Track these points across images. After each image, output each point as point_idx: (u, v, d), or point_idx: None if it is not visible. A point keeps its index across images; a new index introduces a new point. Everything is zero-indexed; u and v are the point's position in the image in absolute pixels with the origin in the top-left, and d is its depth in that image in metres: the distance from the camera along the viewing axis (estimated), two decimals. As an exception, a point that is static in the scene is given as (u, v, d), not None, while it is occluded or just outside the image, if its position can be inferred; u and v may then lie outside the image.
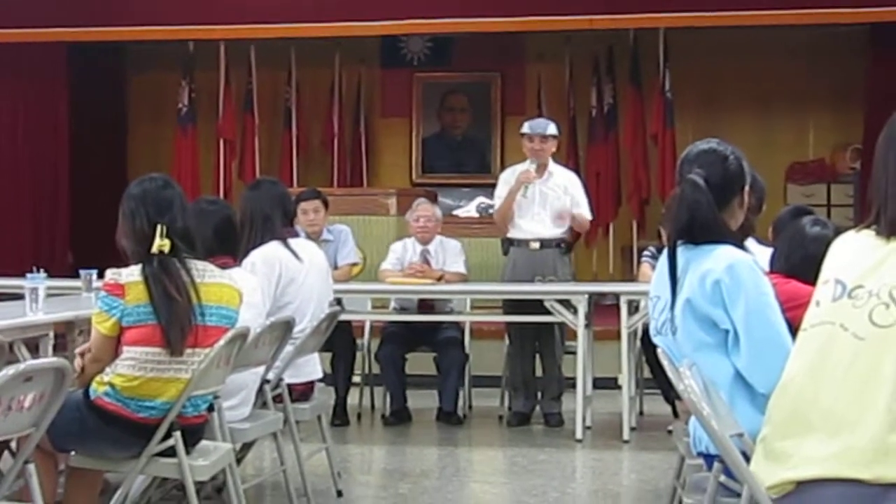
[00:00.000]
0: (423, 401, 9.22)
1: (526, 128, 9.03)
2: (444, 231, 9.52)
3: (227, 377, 4.99)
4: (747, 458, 3.12)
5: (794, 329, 3.26)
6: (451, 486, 7.06)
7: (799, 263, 4.49)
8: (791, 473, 2.85)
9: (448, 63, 14.44)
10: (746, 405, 3.62)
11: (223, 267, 5.04)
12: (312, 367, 6.48)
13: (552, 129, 9.00)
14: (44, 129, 13.23)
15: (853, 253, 3.01)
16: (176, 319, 4.54)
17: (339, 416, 8.84)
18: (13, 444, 4.63)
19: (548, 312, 8.41)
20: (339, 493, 6.58)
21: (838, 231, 4.61)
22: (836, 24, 11.74)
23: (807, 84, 13.45)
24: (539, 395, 9.04)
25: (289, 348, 5.92)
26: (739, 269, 3.67)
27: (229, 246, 5.62)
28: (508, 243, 9.07)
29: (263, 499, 6.68)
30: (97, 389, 4.58)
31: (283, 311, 6.14)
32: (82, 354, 4.69)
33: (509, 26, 12.05)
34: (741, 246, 3.84)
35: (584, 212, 9.06)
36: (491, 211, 9.63)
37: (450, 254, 9.26)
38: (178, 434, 4.56)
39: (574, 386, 8.47)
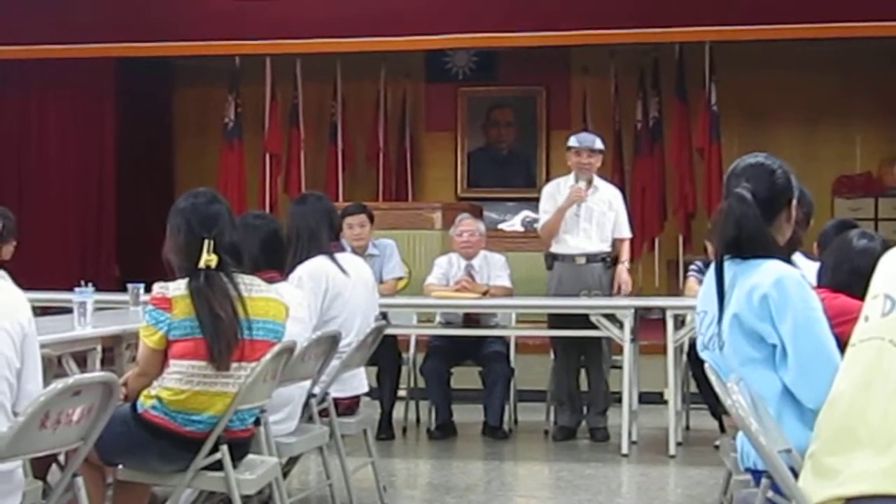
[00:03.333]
0: (468, 415, 9.21)
1: (574, 141, 9.02)
2: (490, 245, 9.50)
3: (273, 391, 5.00)
4: (795, 474, 3.10)
5: (842, 344, 3.24)
6: (496, 501, 7.05)
7: (846, 277, 4.47)
8: (840, 490, 2.83)
9: (493, 77, 14.47)
10: (794, 420, 3.60)
11: (270, 281, 5.05)
12: (358, 381, 6.48)
13: (599, 143, 9.00)
14: (91, 143, 13.35)
15: (903, 268, 3.00)
16: (221, 334, 4.55)
17: (385, 430, 8.84)
18: (61, 458, 4.65)
19: (593, 327, 8.39)
20: (385, 508, 6.59)
21: (886, 244, 4.61)
22: (883, 38, 11.66)
23: (853, 97, 13.39)
24: (585, 409, 9.01)
25: (335, 362, 5.93)
26: (787, 283, 3.65)
27: (276, 260, 5.64)
28: (552, 258, 9.06)
29: (309, 513, 6.70)
30: (144, 403, 4.61)
31: (329, 325, 6.16)
32: (125, 384, 4.69)
33: (554, 40, 12.05)
34: (788, 260, 3.82)
35: (625, 232, 9.05)
36: (536, 225, 9.60)
37: (494, 268, 9.24)
38: (224, 448, 4.58)
39: (620, 400, 8.43)
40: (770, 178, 3.89)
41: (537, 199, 9.43)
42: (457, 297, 8.93)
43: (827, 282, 4.60)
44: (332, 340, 5.79)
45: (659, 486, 7.65)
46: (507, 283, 9.20)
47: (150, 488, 5.01)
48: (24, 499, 3.74)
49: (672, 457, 8.17)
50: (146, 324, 4.65)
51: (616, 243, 9.08)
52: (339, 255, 6.48)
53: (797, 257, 4.94)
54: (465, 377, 9.27)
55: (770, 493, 3.51)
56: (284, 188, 13.54)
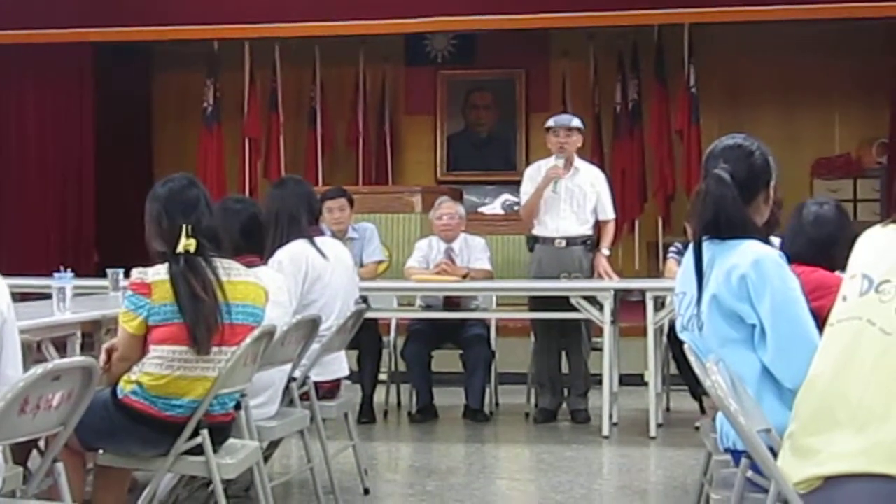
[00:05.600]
0: (449, 398, 9.22)
1: (550, 121, 9.03)
2: (470, 228, 9.50)
3: (253, 375, 4.99)
4: (775, 454, 3.10)
5: (820, 319, 3.24)
6: (477, 483, 7.05)
7: (803, 249, 4.52)
8: (819, 469, 2.84)
9: (472, 60, 14.47)
10: (774, 400, 3.61)
11: (250, 265, 5.05)
12: (339, 364, 6.48)
13: (577, 121, 8.99)
14: (70, 129, 13.31)
15: (880, 247, 3.00)
16: (201, 318, 4.54)
17: (366, 413, 8.84)
18: (41, 443, 4.64)
19: (574, 309, 8.39)
20: (367, 491, 6.57)
21: (839, 208, 4.66)
22: (862, 19, 11.68)
23: (832, 78, 13.43)
24: (565, 391, 9.03)
25: (315, 346, 5.93)
26: (765, 263, 3.66)
27: (256, 244, 5.62)
28: (534, 240, 9.06)
29: (291, 497, 6.68)
30: (125, 388, 4.59)
31: (309, 309, 6.15)
32: (109, 351, 4.69)
33: (533, 23, 12.05)
34: (767, 241, 3.83)
35: (608, 213, 9.03)
36: (516, 208, 9.60)
37: (474, 251, 9.24)
38: (205, 432, 4.56)
39: (600, 383, 8.44)
40: (748, 160, 3.90)
41: (517, 182, 9.44)
42: (437, 281, 8.94)
43: (787, 253, 4.61)
44: (313, 324, 5.77)
45: (639, 467, 7.66)
46: (487, 265, 9.20)
47: (130, 473, 5.00)
48: (5, 484, 3.73)
49: (652, 438, 8.19)
50: (125, 309, 4.63)
51: (599, 225, 9.06)
52: (318, 239, 6.47)
53: (775, 238, 4.95)
54: (446, 360, 9.27)
55: (749, 473, 3.52)
56: (264, 173, 13.54)
